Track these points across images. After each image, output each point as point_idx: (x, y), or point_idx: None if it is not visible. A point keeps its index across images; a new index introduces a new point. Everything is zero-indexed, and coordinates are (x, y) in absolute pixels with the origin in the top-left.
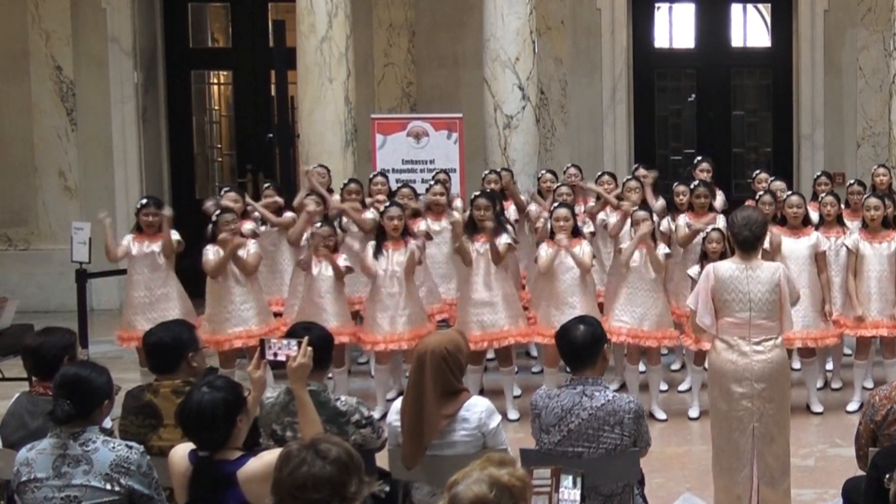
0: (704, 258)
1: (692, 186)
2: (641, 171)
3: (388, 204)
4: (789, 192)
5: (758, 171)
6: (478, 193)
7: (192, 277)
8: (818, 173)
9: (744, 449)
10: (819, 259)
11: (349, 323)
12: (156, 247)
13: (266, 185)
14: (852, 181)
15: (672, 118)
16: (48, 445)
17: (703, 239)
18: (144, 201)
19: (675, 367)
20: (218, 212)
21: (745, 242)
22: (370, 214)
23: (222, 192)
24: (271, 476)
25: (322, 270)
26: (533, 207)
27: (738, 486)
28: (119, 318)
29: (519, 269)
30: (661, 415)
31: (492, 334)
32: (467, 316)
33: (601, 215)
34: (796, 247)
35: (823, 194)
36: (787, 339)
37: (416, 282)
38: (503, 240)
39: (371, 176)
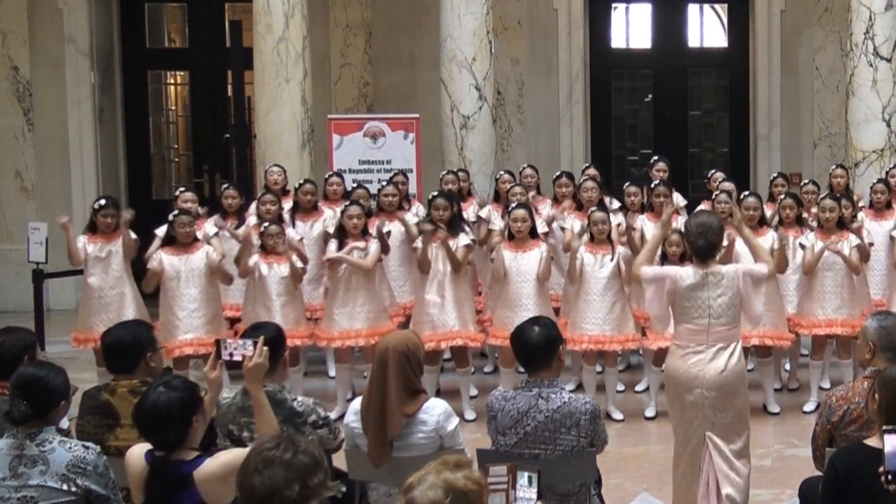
0: (664, 260)
1: (652, 186)
2: (592, 171)
3: (348, 203)
4: (746, 193)
5: (713, 171)
6: (436, 193)
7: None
8: (774, 174)
9: (697, 455)
10: (777, 257)
11: (302, 325)
12: (112, 248)
13: (224, 185)
14: (807, 181)
15: (629, 118)
16: (5, 446)
17: (664, 241)
18: (103, 202)
19: (621, 367)
20: (175, 212)
21: (701, 251)
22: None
23: (178, 192)
24: (228, 476)
25: (272, 272)
26: (484, 212)
27: (694, 491)
28: (75, 318)
29: (476, 272)
30: (617, 415)
31: (441, 335)
32: (420, 316)
33: (558, 220)
34: None
35: (782, 196)
36: (743, 336)
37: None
38: (461, 241)
39: (326, 176)
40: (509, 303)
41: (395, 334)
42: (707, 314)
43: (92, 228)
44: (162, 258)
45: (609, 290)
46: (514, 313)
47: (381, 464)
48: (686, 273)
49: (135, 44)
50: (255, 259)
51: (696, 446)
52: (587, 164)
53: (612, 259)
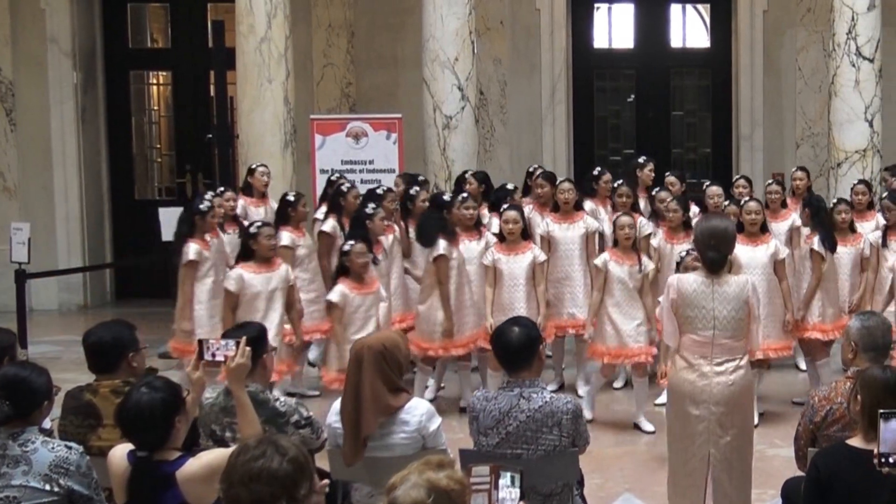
0: None
1: (615, 185)
2: (608, 176)
3: (374, 206)
4: (747, 199)
5: (668, 174)
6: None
7: (137, 276)
8: (737, 176)
9: (698, 474)
10: (779, 267)
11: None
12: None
13: (222, 188)
14: (770, 181)
15: (611, 119)
16: None
17: (678, 264)
18: (210, 202)
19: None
20: (259, 223)
21: (713, 264)
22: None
23: (218, 192)
24: (210, 477)
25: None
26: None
27: None
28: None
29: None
30: (648, 426)
31: (449, 343)
32: (428, 326)
33: (543, 225)
34: (755, 255)
35: (745, 199)
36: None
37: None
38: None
39: (333, 178)
40: (502, 307)
41: (374, 334)
42: (712, 325)
43: (191, 230)
44: (242, 276)
45: (638, 302)
46: (506, 318)
47: (352, 462)
48: (689, 280)
49: (117, 44)
50: (342, 290)
51: (696, 465)
52: (600, 170)
53: (639, 271)
